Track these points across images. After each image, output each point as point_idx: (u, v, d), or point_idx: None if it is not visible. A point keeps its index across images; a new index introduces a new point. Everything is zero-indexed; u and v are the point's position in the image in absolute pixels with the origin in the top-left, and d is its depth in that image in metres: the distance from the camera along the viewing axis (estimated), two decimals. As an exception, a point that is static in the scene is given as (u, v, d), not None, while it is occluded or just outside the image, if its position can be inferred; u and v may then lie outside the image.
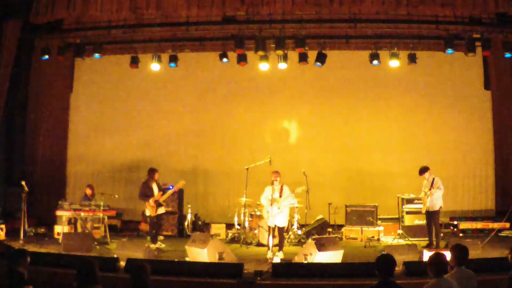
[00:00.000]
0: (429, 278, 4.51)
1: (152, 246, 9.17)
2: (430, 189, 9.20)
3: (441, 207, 9.25)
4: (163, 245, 9.70)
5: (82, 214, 10.07)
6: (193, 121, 12.69)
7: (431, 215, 9.28)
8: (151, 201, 9.58)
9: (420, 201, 10.11)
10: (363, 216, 10.79)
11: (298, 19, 10.26)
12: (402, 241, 10.04)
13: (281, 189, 8.81)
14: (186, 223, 11.35)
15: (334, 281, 6.73)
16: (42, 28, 11.04)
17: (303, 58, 10.75)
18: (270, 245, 8.52)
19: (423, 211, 9.45)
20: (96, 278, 4.35)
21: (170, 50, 11.29)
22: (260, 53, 10.14)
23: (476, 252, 7.64)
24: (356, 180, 12.12)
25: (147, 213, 9.74)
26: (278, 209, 8.68)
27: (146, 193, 9.67)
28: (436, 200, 9.20)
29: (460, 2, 8.89)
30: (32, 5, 9.92)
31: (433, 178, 9.32)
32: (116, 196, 10.89)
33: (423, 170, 9.51)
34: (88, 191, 10.78)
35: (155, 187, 9.82)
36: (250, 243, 10.11)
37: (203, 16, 10.38)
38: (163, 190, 9.91)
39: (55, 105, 12.66)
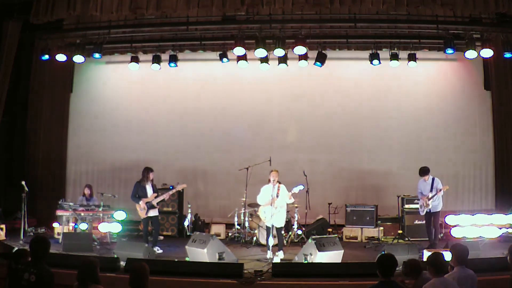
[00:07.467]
0: (429, 278, 4.51)
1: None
2: (431, 191, 9.16)
3: (441, 208, 9.28)
4: (161, 251, 9.23)
5: (82, 214, 10.07)
6: (193, 120, 12.67)
7: (432, 216, 9.25)
8: (141, 202, 9.25)
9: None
10: (363, 216, 10.80)
11: (298, 19, 10.26)
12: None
13: (278, 189, 8.78)
14: (186, 223, 11.35)
15: (334, 281, 6.73)
16: (42, 28, 11.04)
17: (303, 58, 10.76)
18: (270, 245, 8.52)
19: (423, 212, 9.34)
20: (98, 278, 4.35)
21: (170, 50, 11.31)
22: (260, 53, 10.13)
23: (476, 252, 7.64)
24: (356, 180, 12.12)
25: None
26: (275, 209, 8.67)
27: (137, 194, 9.31)
28: (439, 201, 9.21)
29: (460, 2, 8.86)
30: (32, 5, 9.91)
31: (433, 179, 9.26)
32: (116, 196, 10.90)
33: (426, 172, 9.28)
34: (86, 191, 10.78)
35: (149, 188, 9.40)
36: (250, 243, 10.12)
37: (203, 16, 10.38)
38: (158, 191, 9.55)
39: (55, 105, 12.66)
